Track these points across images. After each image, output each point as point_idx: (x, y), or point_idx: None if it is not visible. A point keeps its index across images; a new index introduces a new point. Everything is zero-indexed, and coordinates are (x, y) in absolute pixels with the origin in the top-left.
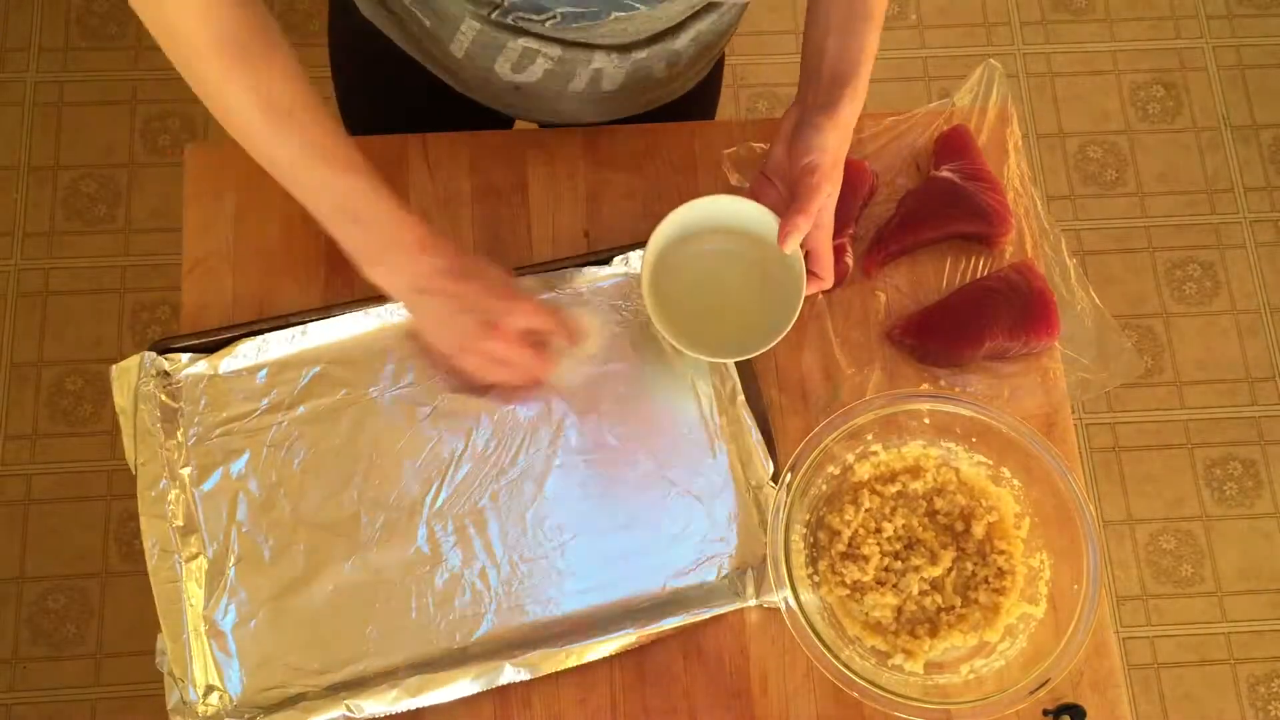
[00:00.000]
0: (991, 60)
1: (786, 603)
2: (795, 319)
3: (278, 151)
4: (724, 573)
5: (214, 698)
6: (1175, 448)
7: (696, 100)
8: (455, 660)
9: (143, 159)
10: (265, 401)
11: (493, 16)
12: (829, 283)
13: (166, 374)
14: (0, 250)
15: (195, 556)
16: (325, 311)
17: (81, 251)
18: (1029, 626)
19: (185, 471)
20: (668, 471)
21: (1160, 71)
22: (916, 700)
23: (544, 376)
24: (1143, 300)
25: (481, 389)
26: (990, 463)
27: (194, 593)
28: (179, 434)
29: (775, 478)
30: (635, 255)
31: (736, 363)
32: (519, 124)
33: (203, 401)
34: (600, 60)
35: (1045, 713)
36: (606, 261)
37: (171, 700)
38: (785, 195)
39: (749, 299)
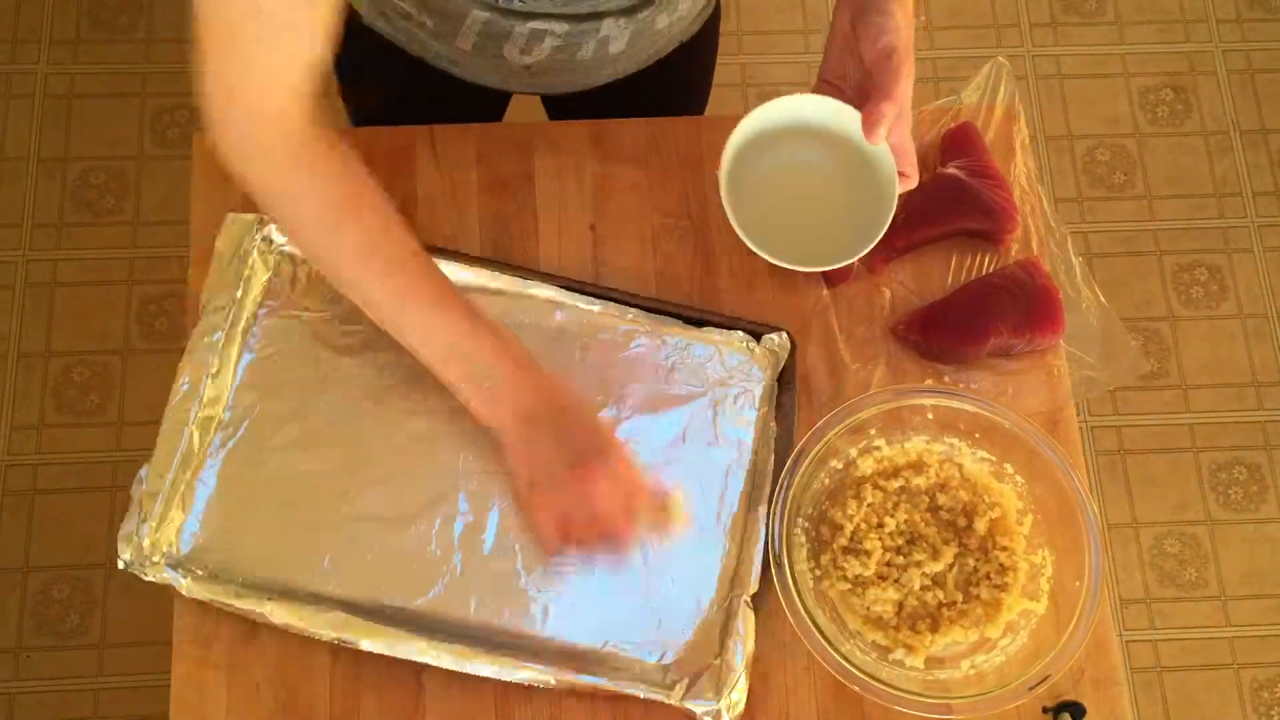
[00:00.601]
0: (999, 58)
1: (785, 602)
2: (889, 220)
3: (374, 294)
4: (665, 661)
5: (161, 544)
6: (1180, 451)
7: (696, 52)
8: (384, 617)
9: (152, 152)
10: (341, 310)
11: (499, 4)
12: (915, 180)
13: (272, 242)
14: (9, 241)
15: (211, 416)
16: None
17: (89, 243)
18: (1030, 623)
19: (243, 335)
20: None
21: (1169, 75)
22: (917, 695)
23: (623, 542)
24: (1149, 303)
25: (548, 545)
26: (993, 459)
27: (194, 444)
28: (256, 301)
29: (755, 598)
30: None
31: (775, 472)
32: (523, 110)
33: (293, 282)
34: (608, 27)
35: (1045, 710)
36: (753, 335)
37: (126, 527)
38: (854, 95)
39: (836, 204)
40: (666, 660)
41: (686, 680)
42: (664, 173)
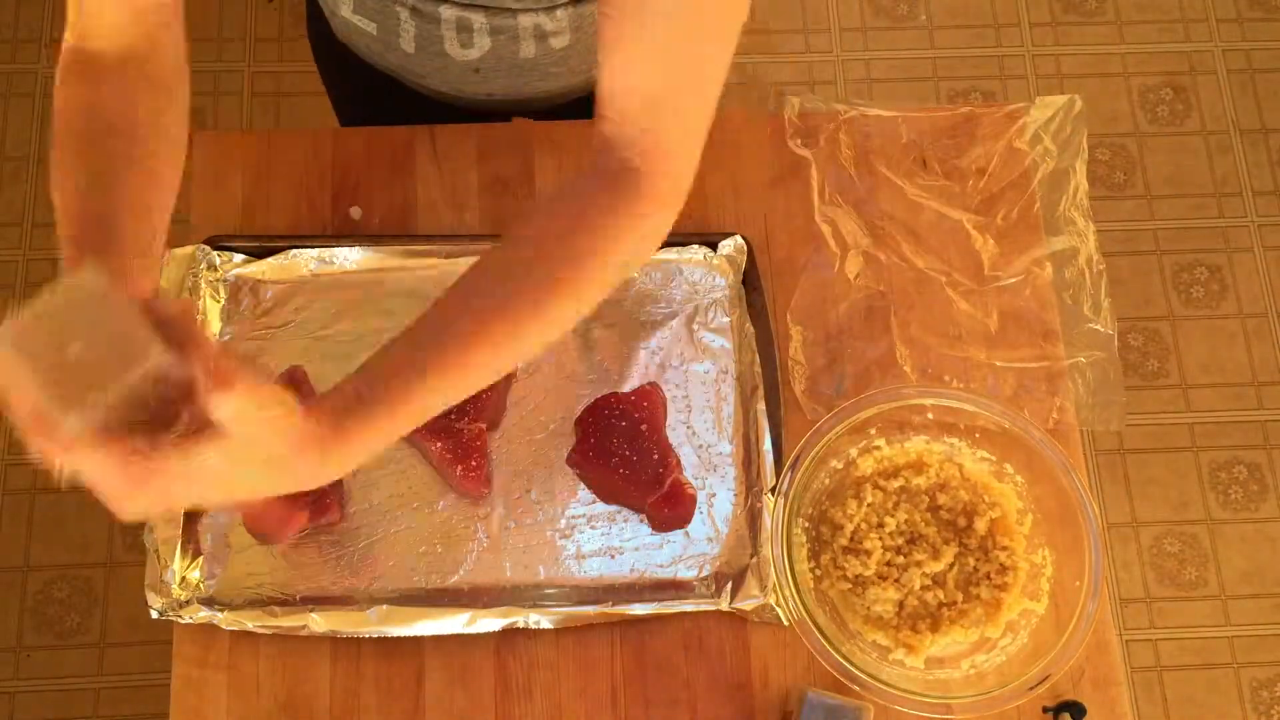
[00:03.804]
0: (1075, 97)
1: (784, 603)
2: None
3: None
4: (703, 574)
5: (190, 585)
6: (1180, 451)
7: None
8: (425, 600)
9: None
10: (303, 315)
11: None
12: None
13: (216, 269)
14: (9, 240)
15: None
16: (376, 241)
17: None
18: (1030, 623)
19: None
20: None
21: (1170, 74)
22: (917, 695)
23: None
24: (1149, 303)
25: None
26: (993, 459)
27: None
28: (216, 329)
29: (774, 490)
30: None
31: (764, 370)
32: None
33: (245, 303)
34: (528, 19)
35: (1045, 710)
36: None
37: (150, 576)
38: None
39: None
40: (705, 573)
41: (730, 585)
42: None
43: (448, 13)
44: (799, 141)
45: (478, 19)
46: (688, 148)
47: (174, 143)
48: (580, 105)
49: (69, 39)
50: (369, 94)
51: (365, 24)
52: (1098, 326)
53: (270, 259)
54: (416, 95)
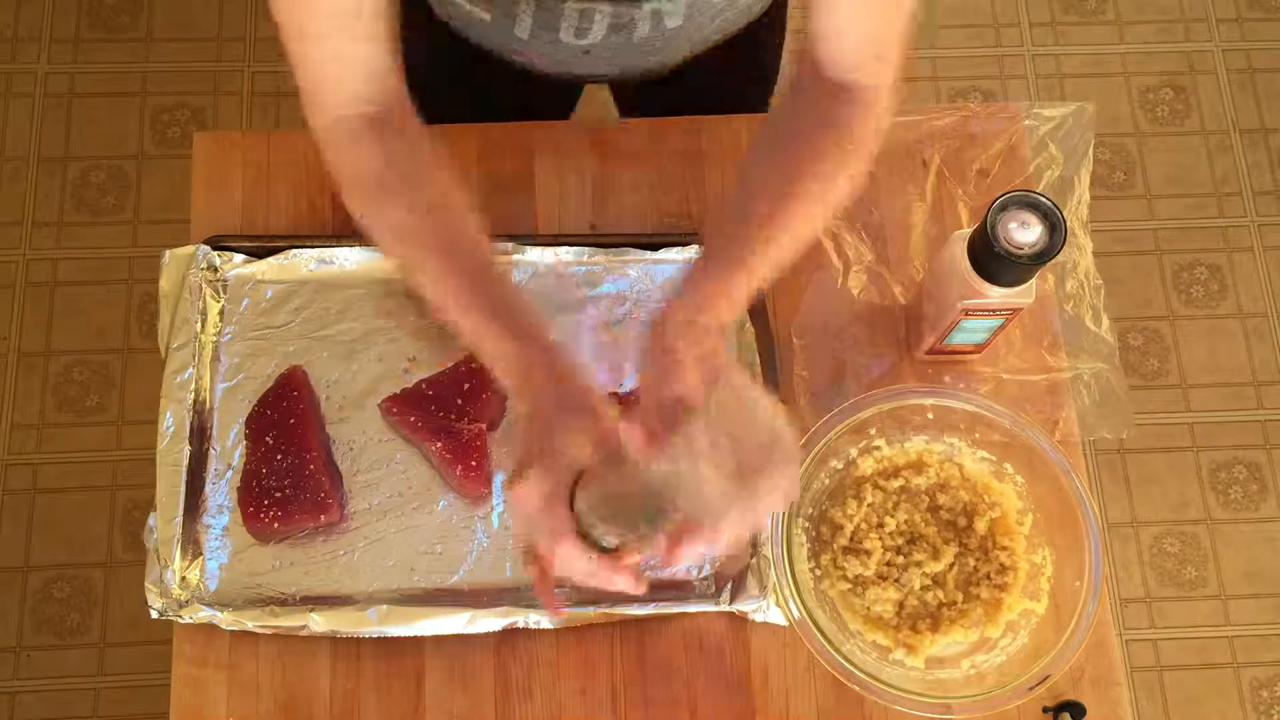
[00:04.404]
0: (1086, 105)
1: (784, 603)
2: None
3: (419, 281)
4: (703, 574)
5: (190, 584)
6: (1180, 450)
7: (765, 29)
8: (426, 599)
9: (152, 151)
10: (303, 315)
11: None
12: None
13: (216, 269)
14: (9, 240)
15: (201, 451)
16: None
17: (89, 242)
18: (1030, 622)
19: (212, 365)
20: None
21: (1170, 74)
22: (917, 695)
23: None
24: (1149, 303)
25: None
26: (993, 459)
27: (193, 483)
28: (216, 328)
29: None
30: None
31: (764, 371)
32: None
33: (245, 303)
34: (650, 5)
35: (1045, 710)
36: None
37: (151, 574)
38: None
39: None
40: (705, 573)
41: (730, 584)
42: (664, 173)
43: (572, 7)
44: None
45: (601, 8)
46: (901, 64)
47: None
48: (669, 78)
49: (318, 118)
50: (457, 63)
51: (480, 11)
52: (1101, 334)
53: (270, 259)
54: (503, 67)
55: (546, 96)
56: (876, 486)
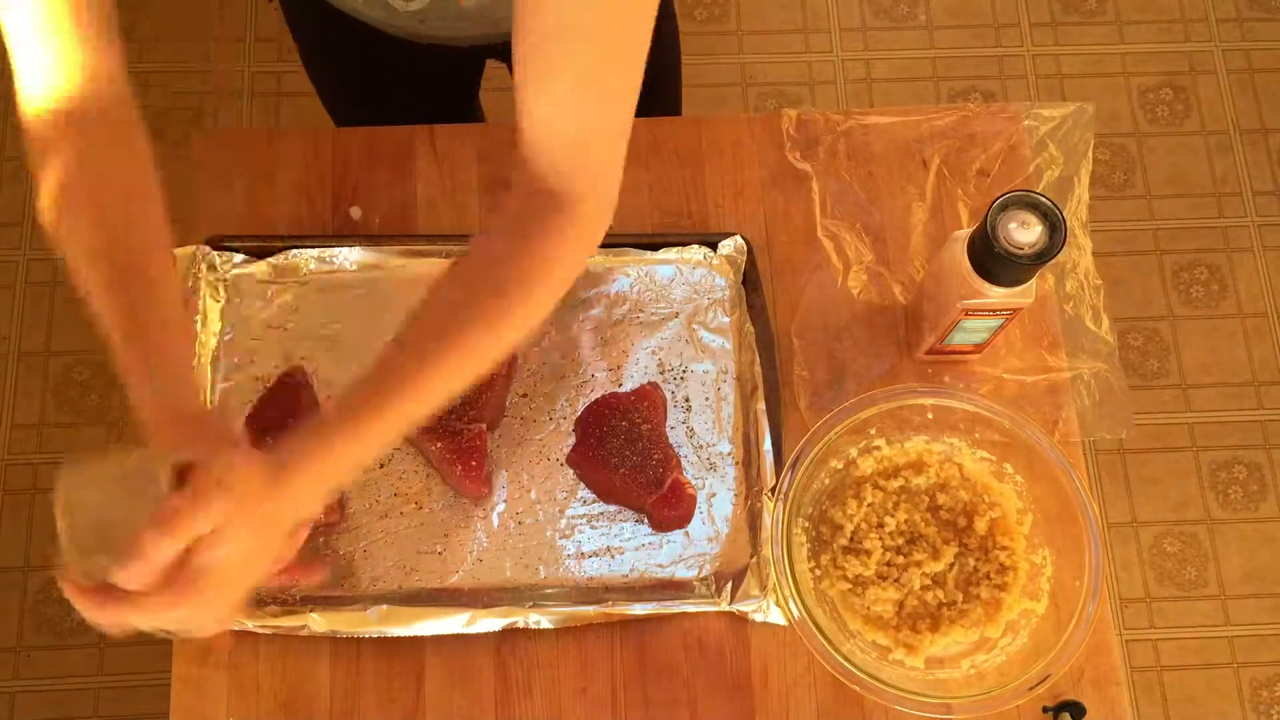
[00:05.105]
0: (1086, 105)
1: (784, 603)
2: None
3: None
4: (703, 574)
5: None
6: (1180, 451)
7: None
8: (426, 599)
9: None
10: (303, 315)
11: None
12: None
13: (216, 269)
14: (9, 241)
15: None
16: (376, 241)
17: None
18: (1030, 622)
19: (212, 365)
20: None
21: (1169, 74)
22: (917, 695)
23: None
24: (1149, 303)
25: None
26: (993, 459)
27: None
28: (216, 328)
29: (774, 490)
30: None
31: (765, 370)
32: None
33: (245, 303)
34: None
35: (1045, 710)
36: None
37: None
38: None
39: None
40: (705, 573)
41: (730, 585)
42: (663, 172)
43: None
44: (798, 155)
45: None
46: (616, 169)
47: (165, 242)
48: None
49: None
50: (337, 42)
51: None
52: (1101, 334)
53: (270, 259)
54: (383, 37)
55: (438, 78)
56: (876, 486)
